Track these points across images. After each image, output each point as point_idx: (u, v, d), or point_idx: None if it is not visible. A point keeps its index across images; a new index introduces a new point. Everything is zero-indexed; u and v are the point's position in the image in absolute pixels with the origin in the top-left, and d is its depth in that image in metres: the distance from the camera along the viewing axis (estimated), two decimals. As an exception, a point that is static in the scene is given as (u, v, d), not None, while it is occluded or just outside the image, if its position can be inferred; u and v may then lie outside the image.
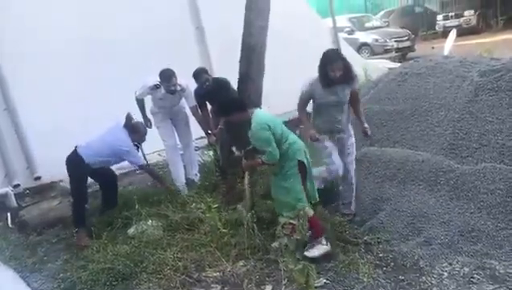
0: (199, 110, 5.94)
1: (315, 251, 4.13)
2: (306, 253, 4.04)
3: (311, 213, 4.15)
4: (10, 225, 5.84)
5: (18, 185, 6.38)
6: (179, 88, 5.71)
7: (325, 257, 4.14)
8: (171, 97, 5.79)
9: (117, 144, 5.14)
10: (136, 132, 5.31)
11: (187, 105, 5.97)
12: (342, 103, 4.59)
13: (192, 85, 5.92)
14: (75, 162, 5.12)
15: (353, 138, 4.83)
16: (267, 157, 4.12)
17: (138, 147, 5.45)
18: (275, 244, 4.23)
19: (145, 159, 5.82)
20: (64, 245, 5.19)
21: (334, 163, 4.63)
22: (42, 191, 6.31)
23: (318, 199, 4.37)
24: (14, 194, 6.22)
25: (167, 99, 5.82)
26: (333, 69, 4.38)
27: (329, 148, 4.64)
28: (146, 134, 5.45)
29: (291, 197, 4.17)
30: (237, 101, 4.71)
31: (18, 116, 6.42)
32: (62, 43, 6.69)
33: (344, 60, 4.48)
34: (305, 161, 4.22)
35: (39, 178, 6.44)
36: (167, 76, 5.60)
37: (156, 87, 5.72)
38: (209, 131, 5.96)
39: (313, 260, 3.96)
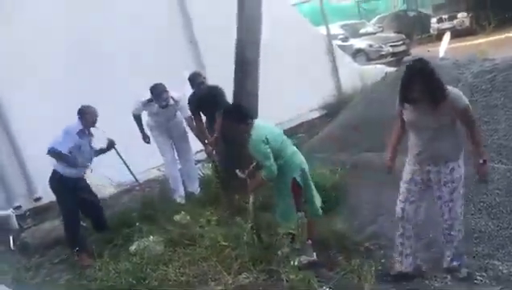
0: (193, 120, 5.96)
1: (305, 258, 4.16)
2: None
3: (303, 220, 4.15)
4: (12, 248, 5.84)
5: (19, 207, 6.40)
6: (171, 101, 5.73)
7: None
8: (165, 111, 5.82)
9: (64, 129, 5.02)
10: (84, 114, 5.08)
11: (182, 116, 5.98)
12: (430, 127, 3.45)
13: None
14: (53, 179, 5.11)
15: (459, 173, 3.50)
16: (265, 172, 4.04)
17: (86, 135, 5.14)
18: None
19: (133, 175, 5.81)
20: (66, 265, 5.19)
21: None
22: (42, 212, 6.32)
23: (320, 214, 4.36)
24: (16, 216, 6.23)
25: (161, 113, 5.86)
26: (410, 86, 3.37)
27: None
28: (95, 114, 5.11)
29: (278, 212, 4.21)
30: (243, 109, 4.41)
31: (16, 138, 6.44)
32: (58, 63, 6.73)
33: (427, 75, 3.33)
34: (299, 179, 4.12)
35: (39, 199, 6.45)
36: (158, 91, 5.63)
37: (149, 102, 5.75)
38: (206, 141, 5.97)
39: (313, 268, 3.96)
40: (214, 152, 5.96)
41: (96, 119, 5.12)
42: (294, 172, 4.10)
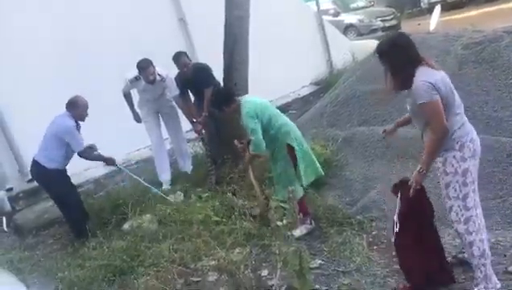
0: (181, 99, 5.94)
1: (299, 231, 4.27)
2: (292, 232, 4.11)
3: (301, 194, 4.22)
4: (5, 229, 5.86)
5: (11, 189, 6.37)
6: (158, 78, 5.71)
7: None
8: (153, 88, 5.79)
9: (59, 129, 4.95)
10: (75, 107, 4.97)
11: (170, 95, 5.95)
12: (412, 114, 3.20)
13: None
14: (39, 173, 5.09)
15: (449, 177, 3.02)
16: (253, 147, 4.22)
17: (79, 126, 5.07)
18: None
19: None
20: (60, 245, 5.21)
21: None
22: (35, 193, 6.29)
23: (308, 183, 4.41)
24: (8, 198, 6.22)
25: (149, 90, 5.83)
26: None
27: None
28: (86, 106, 5.02)
29: (282, 181, 4.25)
30: (224, 92, 4.75)
31: (6, 119, 6.38)
32: (47, 43, 6.62)
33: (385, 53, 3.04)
34: (294, 144, 4.27)
35: (31, 180, 6.41)
36: (143, 66, 5.60)
37: (136, 79, 5.73)
38: (194, 120, 5.96)
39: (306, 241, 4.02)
40: (203, 131, 5.94)
41: (87, 111, 5.04)
42: (287, 139, 4.27)
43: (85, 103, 5.03)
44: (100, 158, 5.31)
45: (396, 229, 3.24)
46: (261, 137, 4.17)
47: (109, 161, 5.39)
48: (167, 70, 5.84)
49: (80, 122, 5.09)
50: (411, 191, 3.11)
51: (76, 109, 4.98)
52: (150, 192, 5.42)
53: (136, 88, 5.88)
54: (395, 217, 3.26)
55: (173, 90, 5.84)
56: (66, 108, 4.99)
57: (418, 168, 3.09)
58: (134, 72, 5.69)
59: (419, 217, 3.22)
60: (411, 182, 3.12)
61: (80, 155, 5.04)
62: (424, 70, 2.96)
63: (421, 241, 3.24)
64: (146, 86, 5.76)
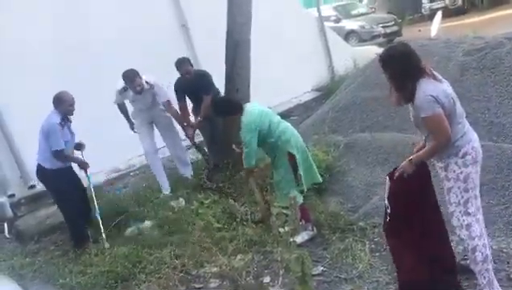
0: (172, 105, 5.86)
1: (301, 237, 4.25)
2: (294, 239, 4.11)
3: (299, 201, 4.22)
4: (7, 236, 5.85)
5: (13, 195, 6.37)
6: (146, 86, 5.63)
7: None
8: (142, 97, 5.71)
9: (43, 126, 4.84)
10: (59, 103, 4.83)
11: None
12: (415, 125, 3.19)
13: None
14: (40, 173, 5.04)
15: (450, 183, 3.08)
16: (245, 160, 4.29)
17: (66, 123, 4.93)
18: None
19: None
20: (62, 251, 5.18)
21: None
22: (37, 199, 6.29)
23: (306, 188, 4.43)
24: (10, 204, 6.22)
25: (138, 100, 5.76)
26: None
27: None
28: (72, 101, 4.86)
29: (282, 187, 4.26)
30: (232, 102, 4.76)
31: (8, 125, 6.39)
32: (47, 43, 6.65)
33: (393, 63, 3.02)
34: (295, 151, 4.27)
35: (33, 186, 6.41)
36: (129, 77, 5.52)
37: (124, 89, 5.66)
38: (185, 124, 5.94)
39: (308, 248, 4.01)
40: (199, 135, 5.95)
41: (73, 105, 4.91)
42: (288, 147, 4.27)
43: (70, 97, 4.88)
44: (75, 160, 5.14)
45: (388, 211, 3.21)
46: (253, 151, 4.25)
47: (82, 165, 5.19)
48: (155, 76, 5.76)
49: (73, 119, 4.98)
50: (396, 174, 3.15)
51: (62, 104, 4.84)
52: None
53: (126, 98, 5.83)
54: (386, 201, 3.24)
55: (162, 96, 5.74)
56: (52, 105, 4.88)
57: (410, 158, 3.12)
58: (122, 83, 5.62)
59: (411, 196, 3.15)
60: (400, 168, 3.16)
61: (55, 156, 4.85)
62: (427, 82, 2.95)
63: (421, 231, 3.19)
64: (135, 96, 5.69)
